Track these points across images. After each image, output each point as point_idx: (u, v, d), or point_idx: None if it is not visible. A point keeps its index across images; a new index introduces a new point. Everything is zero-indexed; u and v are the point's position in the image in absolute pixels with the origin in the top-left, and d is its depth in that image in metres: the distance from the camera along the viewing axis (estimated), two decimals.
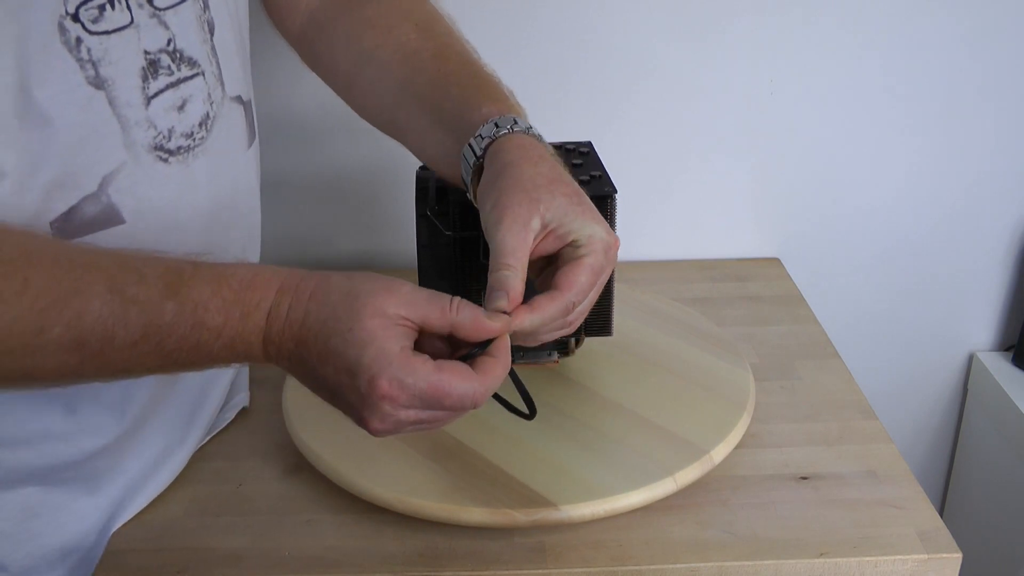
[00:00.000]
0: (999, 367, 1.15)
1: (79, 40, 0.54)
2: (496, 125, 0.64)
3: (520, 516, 0.67)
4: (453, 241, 0.74)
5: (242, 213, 0.73)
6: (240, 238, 0.73)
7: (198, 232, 0.65)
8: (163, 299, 0.50)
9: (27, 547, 0.65)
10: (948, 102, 1.05)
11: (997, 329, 1.18)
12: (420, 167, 0.81)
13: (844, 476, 0.74)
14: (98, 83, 0.56)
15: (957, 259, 1.13)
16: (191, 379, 0.73)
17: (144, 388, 0.68)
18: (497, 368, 0.54)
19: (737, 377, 0.82)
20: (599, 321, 0.79)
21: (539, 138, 0.65)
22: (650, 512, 0.69)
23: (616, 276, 0.76)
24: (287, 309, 0.53)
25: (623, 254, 0.76)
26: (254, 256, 0.78)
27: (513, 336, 0.58)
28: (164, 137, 0.61)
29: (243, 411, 0.82)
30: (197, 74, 0.63)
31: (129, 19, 0.57)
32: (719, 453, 0.73)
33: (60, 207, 0.56)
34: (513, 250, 0.58)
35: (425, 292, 0.54)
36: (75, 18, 0.54)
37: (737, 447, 0.75)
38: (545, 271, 0.62)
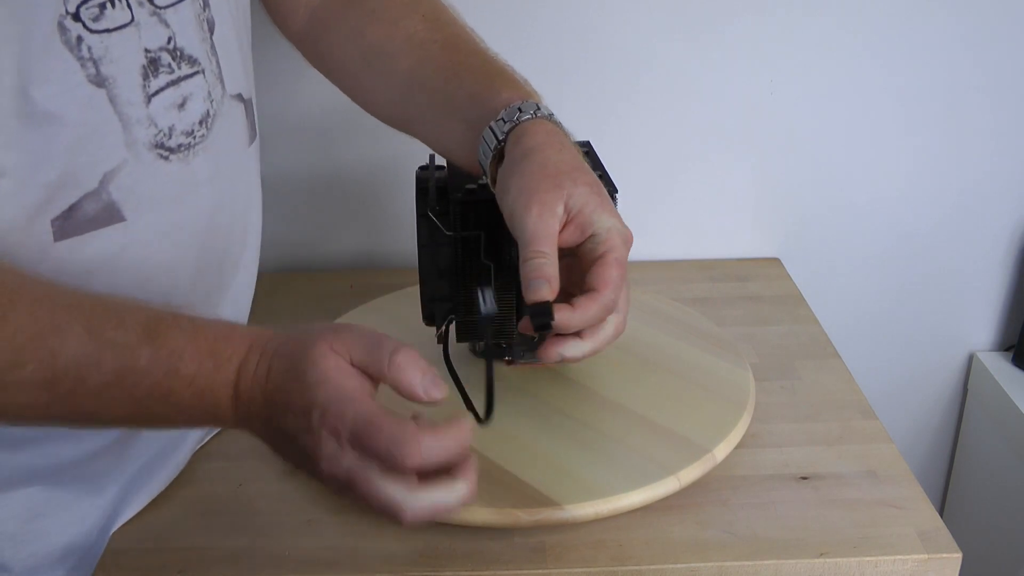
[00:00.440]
0: (999, 367, 1.15)
1: (80, 39, 0.54)
2: (520, 109, 0.65)
3: (523, 516, 0.67)
4: (453, 241, 0.74)
5: (243, 211, 0.73)
6: (240, 235, 0.73)
7: (199, 230, 0.66)
8: (139, 344, 0.51)
9: (30, 547, 0.66)
10: (948, 102, 1.05)
11: (997, 329, 1.18)
12: (420, 167, 0.80)
13: (844, 476, 0.74)
14: (99, 81, 0.56)
15: (957, 259, 1.13)
16: None
17: None
18: (445, 432, 0.51)
19: (737, 377, 0.82)
20: None
21: (560, 125, 0.66)
22: (650, 512, 0.69)
23: None
24: (254, 366, 0.53)
25: None
26: (254, 253, 0.78)
27: (564, 351, 0.60)
28: (165, 135, 0.61)
29: None
30: (197, 72, 0.63)
31: (130, 17, 0.57)
32: (721, 452, 0.73)
33: (61, 205, 0.56)
34: (546, 236, 0.59)
35: (368, 337, 0.53)
36: (76, 17, 0.54)
37: (737, 447, 0.75)
38: (566, 263, 0.62)
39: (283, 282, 1.08)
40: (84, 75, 0.55)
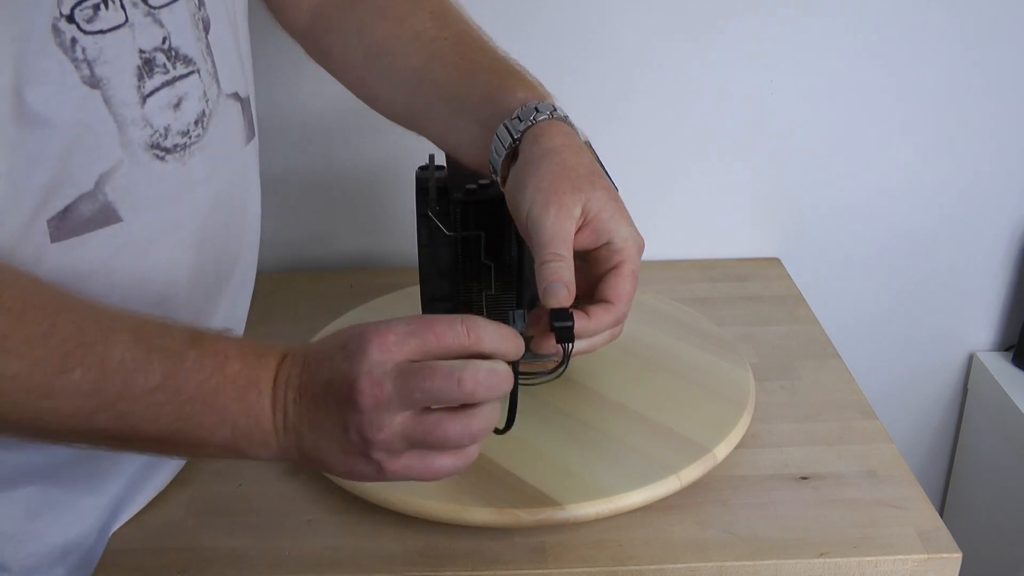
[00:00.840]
0: (999, 367, 1.15)
1: (74, 40, 0.54)
2: (536, 109, 0.65)
3: (524, 516, 0.67)
4: (453, 241, 0.74)
5: (241, 210, 0.73)
6: (238, 235, 0.73)
7: (196, 230, 0.65)
8: (186, 348, 0.52)
9: (29, 547, 0.65)
10: (948, 102, 1.05)
11: (997, 329, 1.18)
12: (420, 167, 0.81)
13: (844, 476, 0.74)
14: (93, 82, 0.56)
15: (957, 259, 1.13)
16: None
17: None
18: (498, 365, 0.53)
19: (737, 376, 0.82)
20: None
21: (575, 128, 0.67)
22: (650, 512, 0.69)
23: None
24: (289, 366, 0.54)
25: None
26: (253, 253, 0.78)
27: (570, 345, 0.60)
28: (160, 135, 0.61)
29: None
30: (192, 72, 0.63)
31: (123, 18, 0.57)
32: (721, 451, 0.73)
33: (57, 206, 0.56)
34: (563, 239, 0.59)
35: (421, 318, 0.54)
36: (70, 19, 0.54)
37: (737, 447, 0.75)
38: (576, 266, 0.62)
39: (283, 282, 1.08)
40: (78, 76, 0.55)
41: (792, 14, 1.01)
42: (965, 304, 1.16)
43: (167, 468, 0.73)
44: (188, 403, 0.52)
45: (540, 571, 0.65)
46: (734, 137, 1.06)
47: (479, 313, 0.75)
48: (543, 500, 0.68)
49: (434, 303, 0.79)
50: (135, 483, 0.70)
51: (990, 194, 1.10)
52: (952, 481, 1.26)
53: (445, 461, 0.54)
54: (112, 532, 0.70)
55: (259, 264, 1.12)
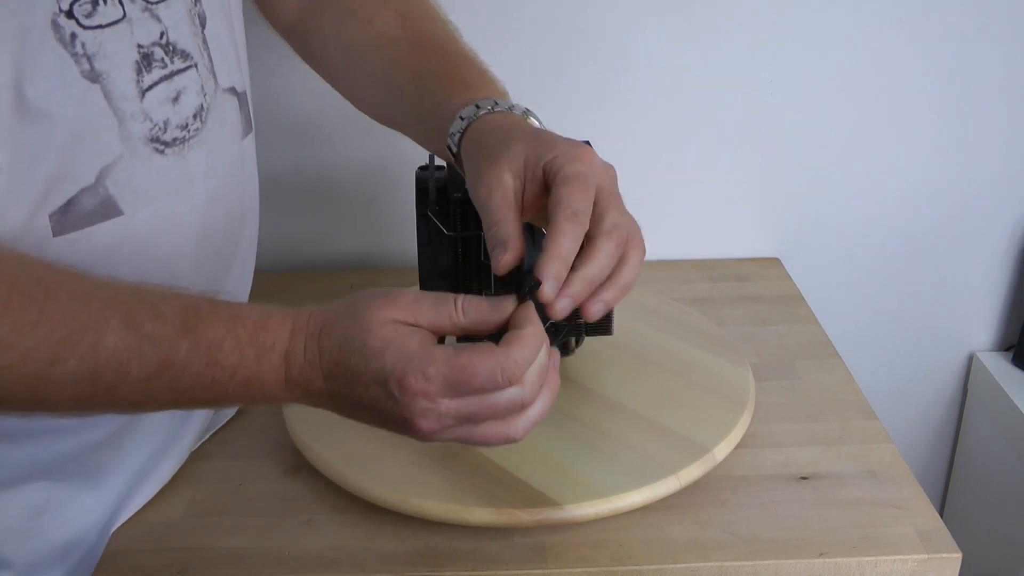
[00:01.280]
0: (999, 367, 1.15)
1: (74, 35, 0.55)
2: (461, 118, 0.64)
3: (524, 516, 0.67)
4: (453, 241, 0.74)
5: (239, 204, 0.73)
6: (237, 229, 0.73)
7: (195, 223, 0.66)
8: (178, 336, 0.51)
9: (32, 543, 0.66)
10: (948, 102, 1.05)
11: (997, 329, 1.18)
12: (419, 167, 0.80)
13: (844, 476, 0.74)
14: (93, 77, 0.56)
15: (957, 259, 1.13)
16: None
17: None
18: (525, 338, 0.52)
19: (737, 376, 0.82)
20: (600, 320, 0.78)
21: (516, 112, 0.64)
22: (650, 512, 0.69)
23: None
24: (303, 349, 0.53)
25: None
26: (251, 247, 0.79)
27: (593, 306, 0.55)
28: (160, 129, 0.61)
29: (243, 410, 0.82)
30: (190, 66, 0.63)
31: (122, 13, 0.57)
32: (721, 451, 0.73)
33: (58, 200, 0.56)
34: (497, 206, 0.57)
35: (430, 297, 0.54)
36: (69, 14, 0.54)
37: (737, 447, 0.75)
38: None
39: (283, 282, 1.08)
40: (78, 71, 0.55)
41: (793, 14, 1.01)
42: (965, 304, 1.16)
43: (168, 463, 0.73)
44: (187, 390, 0.52)
45: (540, 571, 0.65)
46: (735, 137, 1.06)
47: None
48: (542, 500, 0.68)
49: None
50: (136, 478, 0.71)
51: (990, 194, 1.10)
52: (952, 481, 1.26)
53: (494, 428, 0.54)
54: (114, 529, 0.70)
55: (259, 264, 1.12)
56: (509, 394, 0.52)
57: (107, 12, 0.56)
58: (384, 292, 0.54)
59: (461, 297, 0.54)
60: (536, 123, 0.65)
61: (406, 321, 0.53)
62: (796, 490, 0.72)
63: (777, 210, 1.10)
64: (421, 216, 0.75)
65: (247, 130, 0.74)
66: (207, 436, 0.79)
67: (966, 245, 1.12)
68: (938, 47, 1.03)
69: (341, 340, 0.52)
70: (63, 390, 0.50)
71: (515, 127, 0.62)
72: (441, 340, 0.55)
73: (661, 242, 1.11)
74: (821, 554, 0.66)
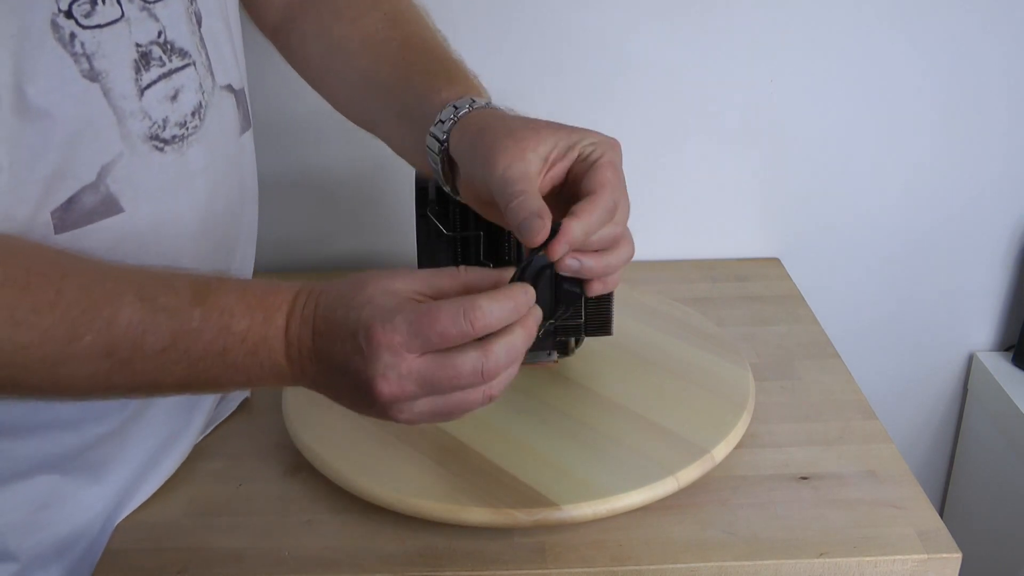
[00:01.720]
0: (999, 367, 1.15)
1: (73, 35, 0.55)
2: (455, 107, 0.63)
3: (522, 516, 0.67)
4: (453, 241, 0.74)
5: (238, 200, 0.74)
6: (236, 225, 0.74)
7: (195, 220, 0.66)
8: (191, 306, 0.52)
9: (36, 537, 0.66)
10: (949, 102, 1.05)
11: (997, 329, 1.18)
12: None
13: (844, 476, 0.74)
14: (93, 76, 0.57)
15: (957, 259, 1.13)
16: None
17: None
18: (497, 293, 0.52)
19: (737, 377, 0.82)
20: (599, 320, 0.79)
21: (502, 110, 0.65)
22: (650, 512, 0.69)
23: None
24: (302, 307, 0.54)
25: None
26: (250, 243, 0.79)
27: (584, 260, 0.56)
28: (159, 127, 0.62)
29: (243, 410, 0.82)
30: (188, 64, 0.64)
31: (120, 13, 0.58)
32: (720, 452, 0.73)
33: (60, 198, 0.57)
34: (520, 177, 0.56)
35: (429, 269, 0.55)
36: (68, 14, 0.55)
37: (737, 447, 0.75)
38: (565, 199, 0.59)
39: None
40: (78, 70, 0.56)
41: (793, 14, 1.01)
42: (965, 304, 1.16)
43: (170, 458, 0.74)
44: (200, 360, 0.53)
45: (540, 571, 0.65)
46: (735, 137, 1.06)
47: None
48: (541, 500, 0.68)
49: None
50: (140, 474, 0.71)
51: (990, 194, 1.10)
52: (952, 481, 1.26)
53: (463, 397, 0.53)
54: (117, 523, 0.70)
55: (259, 264, 1.12)
56: (471, 358, 0.51)
57: (106, 12, 0.57)
58: (386, 270, 0.55)
59: (462, 267, 0.56)
60: None
61: (407, 289, 0.53)
62: (796, 490, 0.72)
63: (777, 210, 1.10)
64: (421, 216, 0.75)
65: (245, 126, 0.74)
66: (209, 430, 0.79)
67: (966, 245, 1.12)
68: (938, 46, 1.03)
69: (335, 297, 0.54)
70: (81, 368, 0.51)
71: (528, 118, 0.62)
72: None
73: (661, 242, 1.11)
74: (821, 554, 0.66)
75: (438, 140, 0.63)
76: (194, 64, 0.64)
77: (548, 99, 1.03)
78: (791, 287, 1.05)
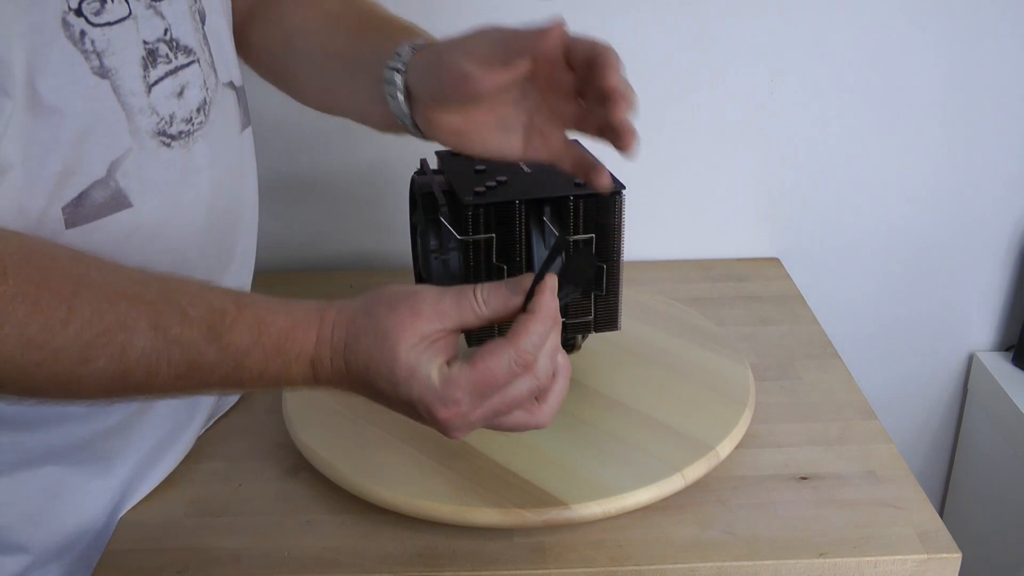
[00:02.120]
0: (999, 367, 1.15)
1: (83, 33, 0.56)
2: (411, 46, 0.65)
3: (531, 516, 0.67)
4: (464, 245, 0.73)
5: (239, 195, 0.75)
6: (237, 220, 0.75)
7: (200, 215, 0.67)
8: (205, 342, 0.52)
9: (48, 528, 0.67)
10: (948, 102, 1.05)
11: (997, 329, 1.18)
12: (417, 172, 0.80)
13: (844, 476, 0.74)
14: (103, 73, 0.58)
15: (957, 259, 1.13)
16: None
17: None
18: (532, 322, 0.54)
19: (737, 374, 0.82)
20: (606, 315, 0.78)
21: None
22: (650, 512, 0.69)
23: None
24: (329, 360, 0.54)
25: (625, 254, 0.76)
26: (252, 239, 0.80)
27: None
28: (166, 123, 0.63)
29: (243, 410, 0.82)
30: (192, 62, 0.65)
31: (127, 11, 0.59)
32: (724, 449, 0.73)
33: (71, 193, 0.57)
34: (499, 31, 0.60)
35: (450, 297, 0.55)
36: (78, 12, 0.56)
37: (737, 447, 0.75)
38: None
39: (283, 282, 1.08)
40: (88, 67, 0.57)
41: (793, 14, 1.01)
42: (965, 304, 1.16)
43: (174, 450, 0.75)
44: (216, 385, 0.54)
45: (540, 571, 0.65)
46: (734, 137, 1.06)
47: None
48: (549, 500, 0.68)
49: None
50: (143, 467, 0.72)
51: (990, 194, 1.10)
52: (952, 481, 1.26)
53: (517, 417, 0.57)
54: (119, 518, 0.70)
55: (259, 264, 1.11)
56: (526, 384, 0.55)
57: (114, 10, 0.58)
58: (404, 298, 0.54)
59: (479, 288, 0.55)
60: None
61: (432, 332, 0.54)
62: (796, 490, 0.72)
63: (777, 210, 1.10)
64: (431, 221, 0.74)
65: (245, 123, 0.76)
66: (211, 423, 0.80)
67: (966, 245, 1.12)
68: (938, 46, 1.03)
69: (368, 361, 0.54)
70: (95, 385, 0.51)
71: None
72: None
73: (661, 242, 1.11)
74: (821, 554, 0.66)
75: (398, 72, 0.64)
76: (198, 61, 0.66)
77: None
78: (791, 287, 1.05)
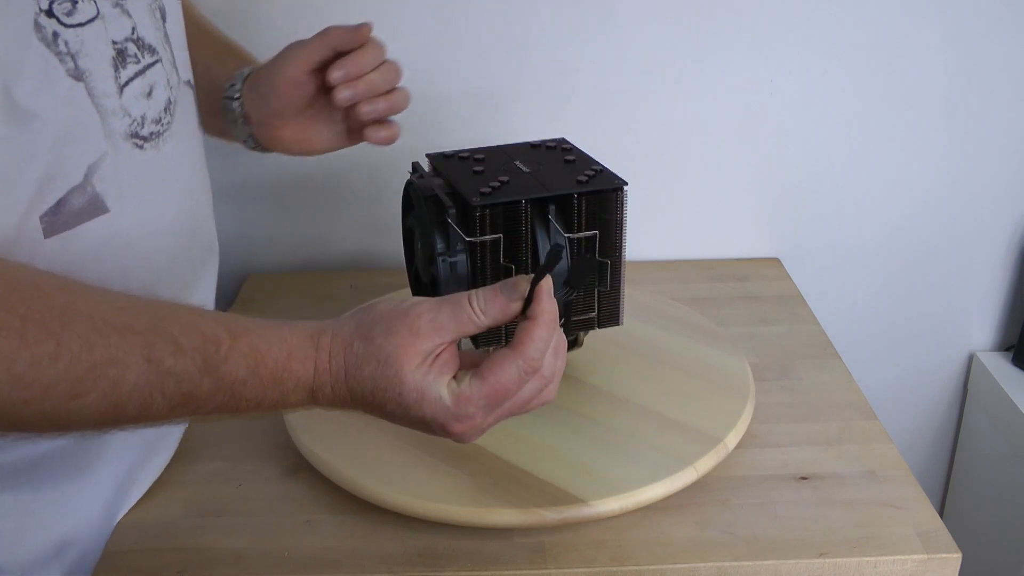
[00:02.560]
0: (999, 367, 1.15)
1: (56, 34, 0.55)
2: (242, 77, 0.76)
3: (550, 515, 0.67)
4: (471, 247, 0.72)
5: (205, 195, 0.74)
6: (206, 218, 0.75)
7: (174, 215, 0.67)
8: (200, 374, 0.51)
9: (26, 545, 0.65)
10: (948, 102, 1.05)
11: (997, 329, 1.18)
12: (415, 176, 0.80)
13: (844, 476, 0.74)
14: (78, 75, 0.56)
15: (957, 259, 1.13)
16: None
17: None
18: (535, 329, 0.55)
19: (736, 369, 0.82)
20: (609, 311, 0.78)
21: None
22: (650, 512, 0.69)
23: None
24: (330, 388, 0.54)
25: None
26: (215, 238, 0.79)
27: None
28: (138, 124, 0.62)
29: None
30: (157, 61, 0.64)
31: (96, 11, 0.58)
32: (732, 440, 0.74)
33: (49, 200, 0.56)
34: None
35: (446, 310, 0.55)
36: (49, 13, 0.54)
37: (737, 447, 0.75)
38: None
39: (283, 282, 1.08)
40: (63, 70, 0.55)
41: (793, 14, 1.01)
42: (965, 304, 1.16)
43: (161, 457, 0.74)
44: (211, 414, 0.53)
45: (540, 571, 0.65)
46: (734, 137, 1.06)
47: None
48: (565, 498, 0.68)
49: None
50: (130, 473, 0.71)
51: (990, 194, 1.10)
52: (952, 481, 1.26)
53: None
54: (117, 521, 0.70)
55: (259, 264, 1.12)
56: (535, 386, 0.56)
57: (85, 10, 0.57)
58: (399, 317, 0.54)
59: (474, 296, 0.55)
60: None
61: (433, 348, 0.54)
62: (796, 490, 0.72)
63: (777, 210, 1.10)
64: (437, 224, 0.74)
65: (199, 122, 0.75)
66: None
67: (966, 245, 1.12)
68: (938, 47, 1.03)
69: (373, 388, 0.54)
70: (85, 419, 0.50)
71: None
72: None
73: (661, 242, 1.11)
74: (821, 554, 0.66)
75: (234, 100, 0.76)
76: (162, 60, 0.65)
77: (549, 100, 1.03)
78: (791, 287, 1.05)
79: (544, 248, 0.73)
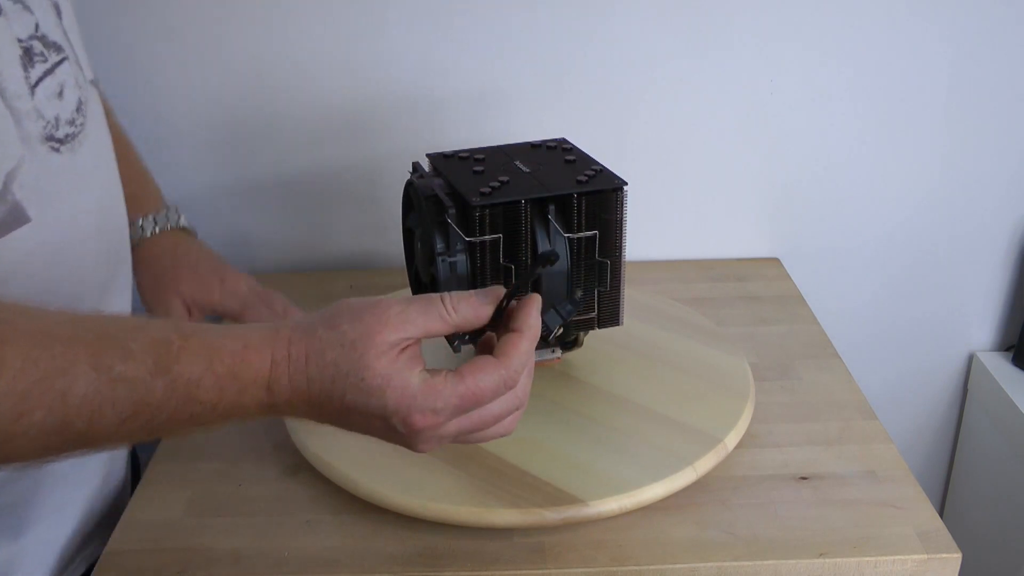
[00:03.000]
0: (999, 367, 1.15)
1: None
2: (141, 227, 0.79)
3: (550, 515, 0.67)
4: (471, 247, 0.72)
5: (118, 197, 0.71)
6: (121, 220, 0.71)
7: (94, 220, 0.64)
8: (152, 377, 0.48)
9: None
10: (948, 102, 1.05)
11: (997, 329, 1.18)
12: (415, 176, 0.80)
13: (844, 476, 0.74)
14: None
15: (957, 259, 1.13)
16: None
17: None
18: (522, 342, 0.53)
19: (736, 369, 0.82)
20: (609, 311, 0.78)
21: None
22: (650, 512, 0.69)
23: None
24: (287, 379, 0.51)
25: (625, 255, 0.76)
26: (128, 242, 0.75)
27: None
28: (52, 126, 0.59)
29: None
30: (64, 59, 0.61)
31: None
32: (731, 440, 0.74)
33: None
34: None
35: (416, 304, 0.52)
36: None
37: (737, 447, 0.75)
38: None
39: (283, 282, 1.07)
40: None
41: (793, 14, 1.01)
42: (965, 304, 1.16)
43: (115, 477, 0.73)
44: (164, 427, 0.50)
45: (540, 571, 0.65)
46: (734, 137, 1.06)
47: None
48: (565, 498, 0.67)
49: None
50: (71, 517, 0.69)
51: (990, 194, 1.10)
52: (952, 481, 1.26)
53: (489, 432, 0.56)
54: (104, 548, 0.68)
55: (259, 265, 1.12)
56: (507, 403, 0.54)
57: None
58: (369, 309, 0.52)
59: (447, 295, 0.53)
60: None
61: (400, 341, 0.51)
62: (796, 490, 0.72)
63: (777, 210, 1.10)
64: (437, 224, 0.74)
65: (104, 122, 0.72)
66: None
67: (966, 245, 1.12)
68: (938, 47, 1.03)
69: (334, 373, 0.50)
70: (31, 443, 0.46)
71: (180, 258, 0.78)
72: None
73: (661, 242, 1.11)
74: (821, 554, 0.66)
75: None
76: (68, 59, 0.62)
77: (549, 101, 1.03)
78: (791, 287, 1.05)
79: (544, 248, 0.73)
